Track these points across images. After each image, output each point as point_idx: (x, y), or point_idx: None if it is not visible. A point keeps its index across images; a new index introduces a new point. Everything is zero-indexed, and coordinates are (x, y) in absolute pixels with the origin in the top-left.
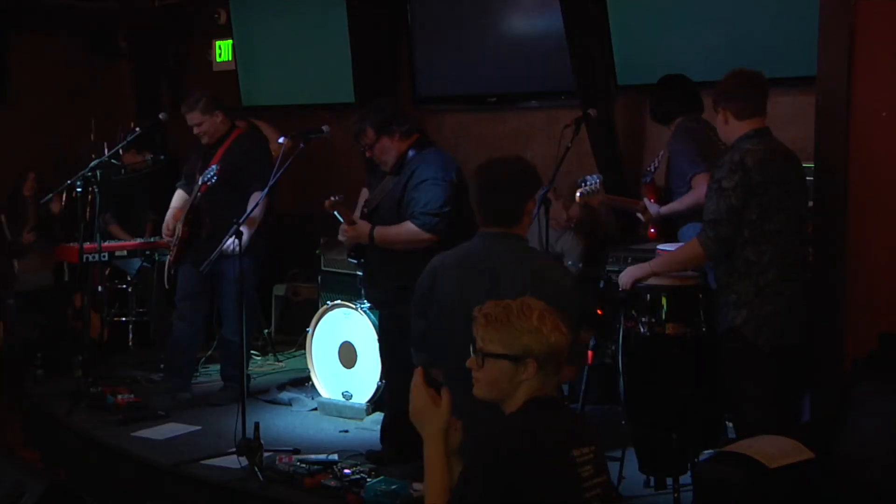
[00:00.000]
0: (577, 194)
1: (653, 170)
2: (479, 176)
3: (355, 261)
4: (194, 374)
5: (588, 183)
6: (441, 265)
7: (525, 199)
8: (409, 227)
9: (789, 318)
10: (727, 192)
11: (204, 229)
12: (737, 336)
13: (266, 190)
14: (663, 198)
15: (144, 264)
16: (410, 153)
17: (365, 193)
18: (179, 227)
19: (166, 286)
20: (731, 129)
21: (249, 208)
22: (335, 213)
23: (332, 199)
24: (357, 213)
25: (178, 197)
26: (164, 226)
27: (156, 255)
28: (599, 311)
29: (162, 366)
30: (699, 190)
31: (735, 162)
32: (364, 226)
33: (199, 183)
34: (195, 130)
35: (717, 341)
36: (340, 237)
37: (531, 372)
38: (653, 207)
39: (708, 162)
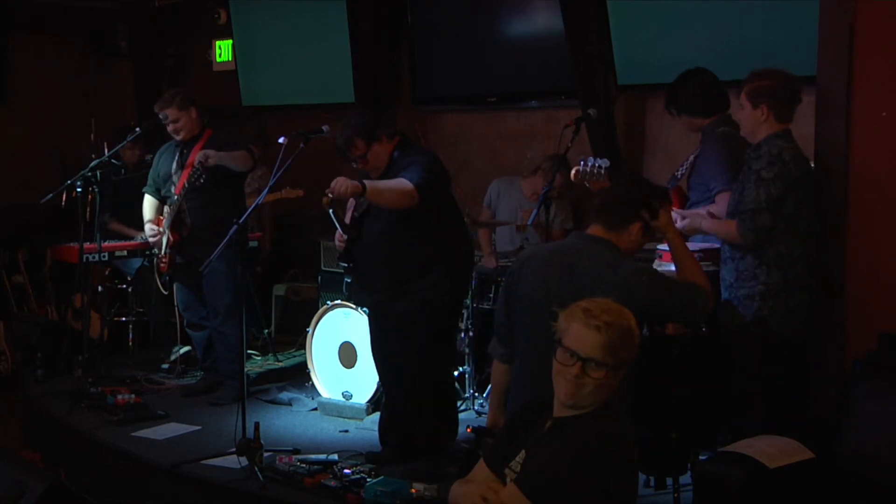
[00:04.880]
0: (574, 171)
1: (679, 175)
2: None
3: (346, 264)
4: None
5: (590, 164)
6: (531, 255)
7: (631, 213)
8: (399, 179)
9: (811, 310)
10: (767, 181)
11: (186, 230)
12: (762, 326)
13: (267, 189)
14: (686, 205)
15: (144, 264)
16: (395, 154)
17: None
18: (166, 233)
19: (164, 292)
20: (763, 126)
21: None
22: (330, 212)
23: (329, 196)
24: (347, 218)
25: (150, 205)
26: (149, 236)
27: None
28: None
29: (202, 371)
30: (720, 207)
31: (774, 155)
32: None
33: (187, 186)
34: (171, 128)
35: (735, 332)
36: (336, 242)
37: (620, 378)
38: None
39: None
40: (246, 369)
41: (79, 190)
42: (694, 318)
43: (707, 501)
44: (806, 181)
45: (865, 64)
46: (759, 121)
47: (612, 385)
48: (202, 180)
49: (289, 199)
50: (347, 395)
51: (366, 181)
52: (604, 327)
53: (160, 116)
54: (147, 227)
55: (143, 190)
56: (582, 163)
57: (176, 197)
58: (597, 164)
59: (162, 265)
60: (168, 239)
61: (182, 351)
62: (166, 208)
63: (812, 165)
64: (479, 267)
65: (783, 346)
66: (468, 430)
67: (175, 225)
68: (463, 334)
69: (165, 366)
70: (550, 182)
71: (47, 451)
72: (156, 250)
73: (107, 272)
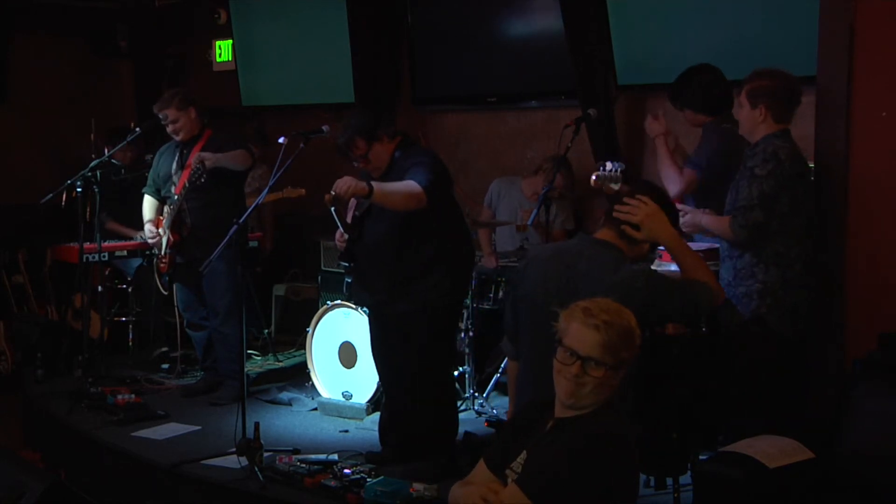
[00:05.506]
0: (594, 177)
1: None
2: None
3: (347, 264)
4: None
5: (607, 168)
6: (534, 256)
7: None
8: (407, 181)
9: (811, 310)
10: (760, 178)
11: (186, 230)
12: (760, 324)
13: (267, 189)
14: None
15: (143, 264)
16: (397, 154)
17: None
18: (166, 233)
19: (164, 292)
20: (761, 126)
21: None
22: (332, 210)
23: (332, 193)
24: (348, 217)
25: (150, 205)
26: (148, 237)
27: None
28: None
29: (202, 371)
30: (684, 180)
31: (768, 153)
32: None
33: (188, 186)
34: (170, 128)
35: (734, 331)
36: (336, 241)
37: (620, 377)
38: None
39: (710, 172)
40: (246, 369)
41: (79, 190)
42: (698, 318)
43: (707, 501)
44: (801, 180)
45: (865, 64)
46: (758, 120)
47: (613, 384)
48: (203, 180)
49: (289, 198)
50: (347, 395)
51: (373, 183)
52: (603, 326)
53: (159, 117)
54: (146, 227)
55: (143, 190)
56: (601, 167)
57: (176, 197)
58: (614, 168)
59: (162, 265)
60: (168, 239)
61: (161, 351)
62: (166, 208)
63: (810, 165)
64: (479, 267)
65: (783, 345)
66: (486, 424)
67: (175, 225)
68: (463, 334)
69: (165, 366)
70: (551, 182)
71: (47, 451)
72: (155, 250)
73: (107, 272)
